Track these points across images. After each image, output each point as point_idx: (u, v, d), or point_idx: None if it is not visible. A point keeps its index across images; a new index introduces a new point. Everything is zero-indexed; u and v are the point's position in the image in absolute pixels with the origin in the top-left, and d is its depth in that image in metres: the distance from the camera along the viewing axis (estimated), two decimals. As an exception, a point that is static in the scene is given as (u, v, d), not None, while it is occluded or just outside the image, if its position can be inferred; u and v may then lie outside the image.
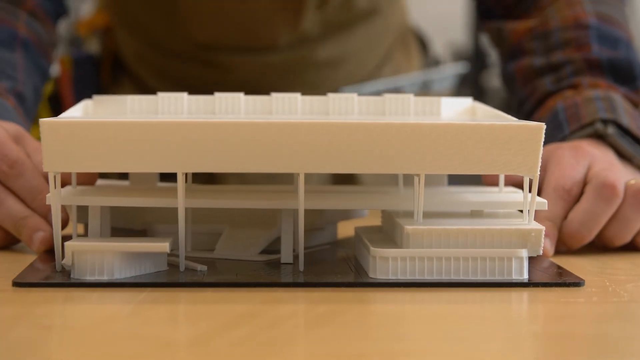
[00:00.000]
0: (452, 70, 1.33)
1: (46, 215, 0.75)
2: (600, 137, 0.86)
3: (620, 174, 0.79)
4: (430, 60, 1.32)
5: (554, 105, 0.92)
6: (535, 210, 0.69)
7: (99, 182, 0.79)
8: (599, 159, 0.81)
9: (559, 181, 0.79)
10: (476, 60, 2.69)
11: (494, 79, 2.68)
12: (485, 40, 1.12)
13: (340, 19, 1.12)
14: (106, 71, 1.18)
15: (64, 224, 0.74)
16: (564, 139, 0.87)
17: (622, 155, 0.86)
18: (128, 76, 1.16)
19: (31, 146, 0.80)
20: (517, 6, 1.04)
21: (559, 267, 0.71)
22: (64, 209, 0.74)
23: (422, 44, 1.31)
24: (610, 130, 0.86)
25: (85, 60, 1.19)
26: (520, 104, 0.99)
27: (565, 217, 0.78)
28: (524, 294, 0.65)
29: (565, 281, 0.66)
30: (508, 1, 1.05)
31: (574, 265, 0.74)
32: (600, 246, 0.80)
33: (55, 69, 1.17)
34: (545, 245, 0.75)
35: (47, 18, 1.02)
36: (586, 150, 0.82)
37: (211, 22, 1.08)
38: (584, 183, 0.79)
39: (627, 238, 0.79)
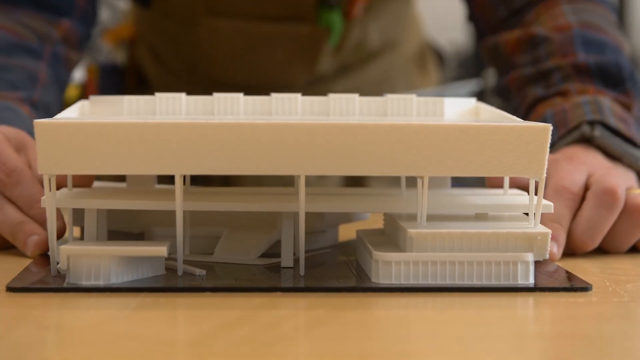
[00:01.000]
0: (466, 87, 1.34)
1: (43, 224, 0.75)
2: (587, 141, 0.86)
3: (619, 179, 0.78)
4: (447, 75, 1.32)
5: (544, 112, 0.92)
6: (541, 214, 0.67)
7: (96, 184, 0.78)
8: (596, 166, 0.81)
9: (559, 182, 0.78)
10: (476, 59, 2.69)
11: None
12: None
13: (355, 58, 1.17)
14: (131, 82, 1.22)
15: (61, 233, 0.73)
16: (552, 145, 0.87)
17: (611, 155, 0.85)
18: (149, 90, 1.18)
19: (34, 155, 0.79)
20: (504, 24, 1.05)
21: (567, 272, 0.70)
22: (61, 217, 0.73)
23: (440, 57, 1.32)
24: (597, 132, 0.86)
25: (111, 70, 1.23)
26: (513, 112, 1.00)
27: (571, 217, 0.77)
28: (530, 299, 0.64)
29: (573, 286, 0.65)
30: (495, 20, 1.05)
31: (574, 265, 0.73)
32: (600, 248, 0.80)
33: (82, 75, 1.19)
34: (552, 249, 0.74)
35: (77, 42, 1.05)
36: (581, 159, 0.82)
37: (232, 67, 1.14)
38: (585, 187, 0.79)
39: (622, 249, 0.79)
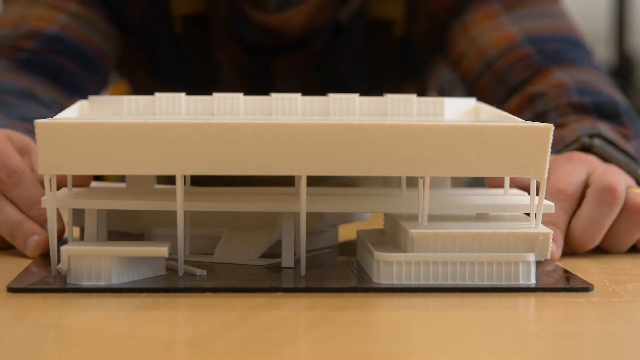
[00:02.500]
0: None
1: (43, 224, 0.75)
2: (586, 150, 0.87)
3: (619, 177, 0.79)
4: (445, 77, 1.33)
5: None
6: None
7: (95, 184, 0.78)
8: (596, 164, 0.81)
9: (555, 185, 0.78)
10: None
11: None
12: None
13: None
14: None
15: (60, 234, 0.73)
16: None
17: (610, 163, 0.86)
18: None
19: (37, 158, 0.79)
20: (504, 102, 1.06)
21: (565, 271, 0.70)
22: (60, 218, 0.73)
23: None
24: (596, 141, 0.87)
25: None
26: None
27: (568, 219, 0.78)
28: (531, 299, 0.64)
29: (574, 286, 0.65)
30: (495, 100, 1.07)
31: (574, 265, 0.73)
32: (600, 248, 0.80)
33: None
34: (552, 249, 0.73)
35: None
36: (580, 158, 0.82)
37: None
38: (584, 186, 0.79)
39: (623, 249, 0.79)
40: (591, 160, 0.82)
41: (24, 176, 0.76)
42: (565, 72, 1.02)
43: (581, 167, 0.80)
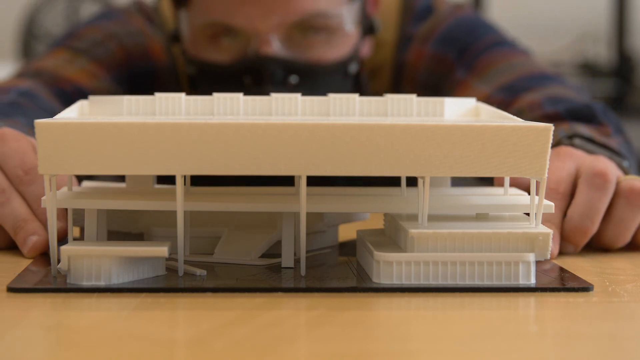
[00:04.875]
0: None
1: (47, 225, 0.75)
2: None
3: (608, 163, 0.80)
4: None
5: None
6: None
7: (87, 183, 0.78)
8: (584, 156, 0.82)
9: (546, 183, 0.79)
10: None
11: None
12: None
13: None
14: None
15: (62, 235, 0.74)
16: None
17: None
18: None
19: None
20: None
21: (563, 270, 0.70)
22: (64, 218, 0.74)
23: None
24: (577, 141, 0.88)
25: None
26: None
27: (562, 215, 0.78)
28: (531, 299, 0.64)
29: (574, 286, 0.65)
30: None
31: (574, 265, 0.73)
32: (600, 248, 0.80)
33: None
34: None
35: None
36: (568, 152, 0.83)
37: None
38: (575, 180, 0.80)
39: (627, 238, 0.79)
40: (578, 153, 0.83)
41: (39, 176, 0.77)
42: (535, 93, 1.06)
43: (569, 161, 0.81)
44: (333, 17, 1.06)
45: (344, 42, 1.08)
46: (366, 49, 1.15)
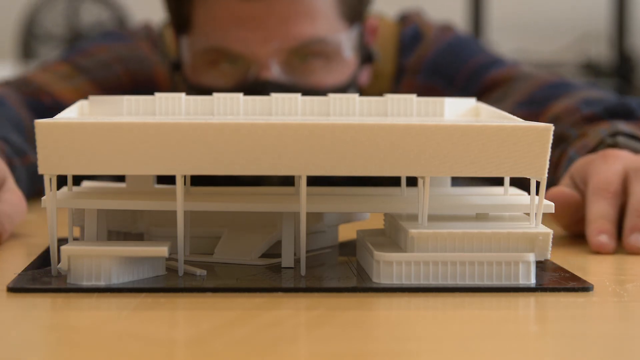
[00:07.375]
0: None
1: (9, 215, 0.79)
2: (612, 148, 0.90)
3: None
4: None
5: (567, 154, 0.96)
6: (589, 211, 0.68)
7: (94, 184, 0.78)
8: (629, 156, 0.85)
9: (596, 185, 0.82)
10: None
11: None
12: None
13: None
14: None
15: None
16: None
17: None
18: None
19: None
20: None
21: (563, 270, 0.70)
22: (9, 221, 0.79)
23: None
24: (620, 139, 0.90)
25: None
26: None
27: (616, 211, 0.81)
28: (531, 299, 0.64)
29: (574, 286, 0.65)
30: None
31: (574, 265, 0.73)
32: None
33: None
34: (602, 240, 0.78)
35: None
36: (613, 154, 0.85)
37: None
38: (624, 179, 0.82)
39: None
40: (623, 154, 0.85)
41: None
42: (568, 98, 1.06)
43: (616, 163, 0.83)
44: (331, 43, 1.08)
45: (343, 68, 1.09)
46: (364, 77, 1.16)
